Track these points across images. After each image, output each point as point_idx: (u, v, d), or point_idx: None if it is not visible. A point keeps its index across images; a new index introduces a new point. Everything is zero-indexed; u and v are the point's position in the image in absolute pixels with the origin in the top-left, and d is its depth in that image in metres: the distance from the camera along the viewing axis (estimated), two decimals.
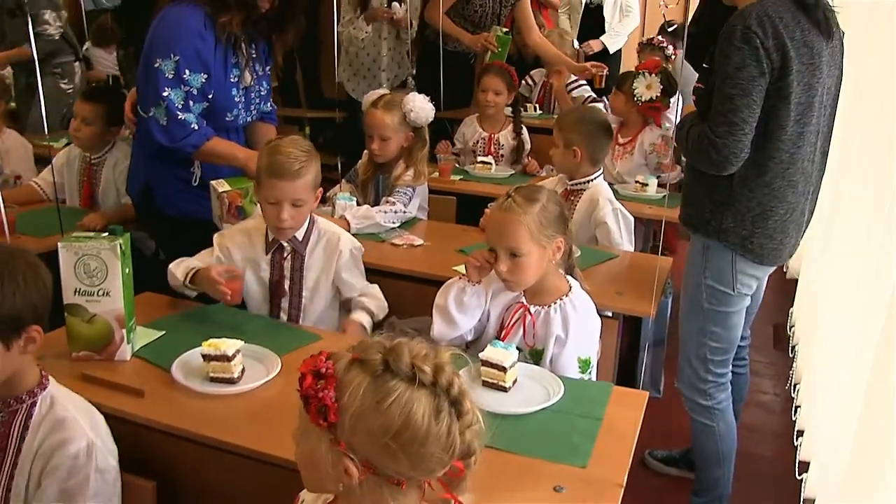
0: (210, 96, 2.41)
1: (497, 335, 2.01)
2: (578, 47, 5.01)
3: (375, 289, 2.33)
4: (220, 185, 2.43)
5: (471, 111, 4.25)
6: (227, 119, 2.51)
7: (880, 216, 2.33)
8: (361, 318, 2.23)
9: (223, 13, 2.35)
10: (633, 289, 2.39)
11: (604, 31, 5.58)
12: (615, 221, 2.86)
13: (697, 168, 2.17)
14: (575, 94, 4.71)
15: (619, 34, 5.61)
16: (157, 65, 2.32)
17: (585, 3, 5.60)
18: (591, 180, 2.96)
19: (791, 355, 3.38)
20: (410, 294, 2.51)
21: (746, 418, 2.91)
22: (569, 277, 2.02)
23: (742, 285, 2.24)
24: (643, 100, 3.70)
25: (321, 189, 2.23)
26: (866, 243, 2.45)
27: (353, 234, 2.76)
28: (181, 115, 2.36)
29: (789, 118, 2.05)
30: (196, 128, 2.39)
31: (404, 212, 2.97)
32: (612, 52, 5.57)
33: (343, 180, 3.21)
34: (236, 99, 2.51)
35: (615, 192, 3.43)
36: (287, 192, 2.12)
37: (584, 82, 4.73)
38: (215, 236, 2.30)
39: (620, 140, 3.83)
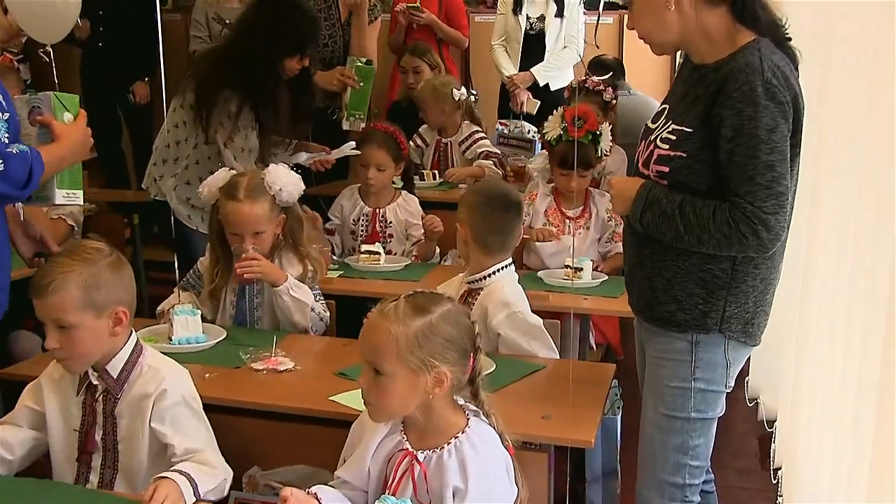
0: None
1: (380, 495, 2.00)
2: (465, 93, 5.24)
3: (209, 456, 2.19)
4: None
5: (349, 182, 4.35)
6: None
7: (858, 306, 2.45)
8: (177, 477, 2.05)
9: None
10: (566, 410, 2.42)
11: None
12: (514, 330, 2.85)
13: (716, 253, 2.24)
14: (468, 154, 5.02)
15: (555, 67, 5.89)
16: None
17: (525, 31, 5.87)
18: (489, 276, 2.93)
19: (774, 481, 3.47)
20: (276, 437, 2.51)
21: None
22: (469, 408, 2.04)
23: (730, 377, 2.36)
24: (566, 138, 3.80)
25: (121, 310, 2.18)
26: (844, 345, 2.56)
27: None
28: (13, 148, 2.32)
29: (795, 178, 2.24)
30: (21, 150, 2.35)
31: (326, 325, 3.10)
32: (553, 88, 5.84)
33: (176, 288, 3.14)
34: None
35: (538, 280, 3.53)
36: (41, 311, 2.14)
37: (483, 135, 5.09)
38: (27, 387, 2.27)
39: (570, 214, 3.95)
